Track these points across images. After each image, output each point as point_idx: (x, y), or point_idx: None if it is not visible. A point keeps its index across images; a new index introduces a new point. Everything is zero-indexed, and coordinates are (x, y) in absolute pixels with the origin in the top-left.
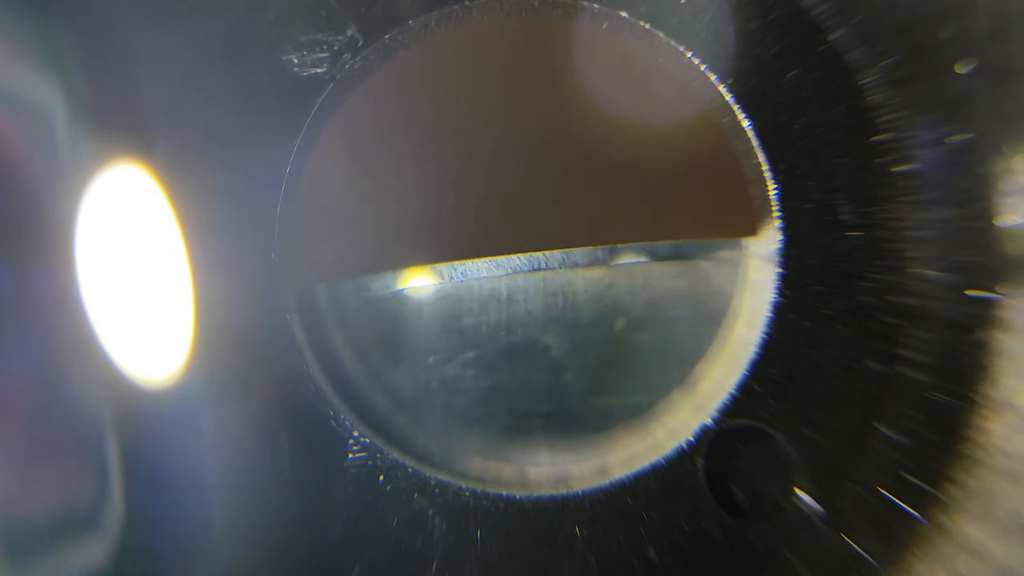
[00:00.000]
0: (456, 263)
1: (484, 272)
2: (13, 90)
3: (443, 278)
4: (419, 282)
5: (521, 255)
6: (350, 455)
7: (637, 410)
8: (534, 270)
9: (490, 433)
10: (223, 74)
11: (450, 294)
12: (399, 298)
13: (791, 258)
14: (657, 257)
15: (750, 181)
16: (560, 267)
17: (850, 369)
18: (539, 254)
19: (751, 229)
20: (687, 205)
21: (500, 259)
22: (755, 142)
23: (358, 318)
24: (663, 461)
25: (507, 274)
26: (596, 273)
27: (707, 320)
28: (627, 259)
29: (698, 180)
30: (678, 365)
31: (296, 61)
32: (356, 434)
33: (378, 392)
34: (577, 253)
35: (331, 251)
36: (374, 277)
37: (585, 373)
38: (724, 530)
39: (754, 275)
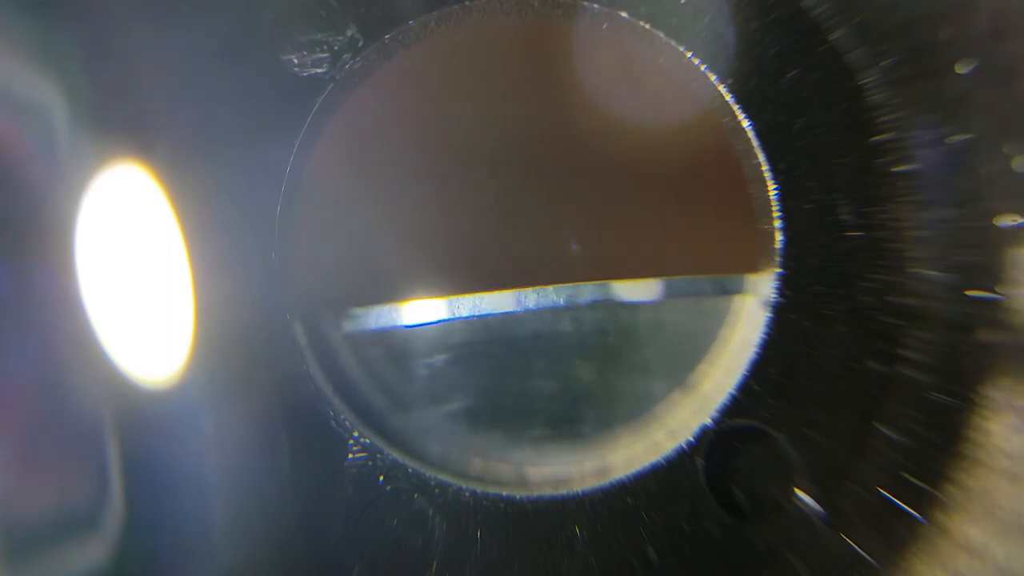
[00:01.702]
0: (457, 297)
1: (486, 307)
2: (13, 90)
3: (447, 309)
4: (421, 311)
5: (522, 290)
6: (350, 455)
7: (637, 410)
8: (534, 308)
9: (490, 433)
10: (223, 74)
11: (453, 314)
12: (403, 330)
13: (791, 258)
14: (660, 294)
15: (750, 182)
16: (561, 305)
17: (850, 369)
18: (539, 289)
19: (753, 265)
20: (686, 201)
21: (501, 294)
22: (755, 142)
23: (361, 334)
24: (663, 461)
25: (508, 312)
26: (599, 306)
27: (704, 327)
28: (629, 295)
29: (698, 183)
30: (678, 365)
31: (296, 61)
32: (356, 434)
33: (378, 392)
34: (577, 289)
35: (331, 252)
36: (376, 307)
37: (585, 373)
38: (724, 530)
39: (750, 307)
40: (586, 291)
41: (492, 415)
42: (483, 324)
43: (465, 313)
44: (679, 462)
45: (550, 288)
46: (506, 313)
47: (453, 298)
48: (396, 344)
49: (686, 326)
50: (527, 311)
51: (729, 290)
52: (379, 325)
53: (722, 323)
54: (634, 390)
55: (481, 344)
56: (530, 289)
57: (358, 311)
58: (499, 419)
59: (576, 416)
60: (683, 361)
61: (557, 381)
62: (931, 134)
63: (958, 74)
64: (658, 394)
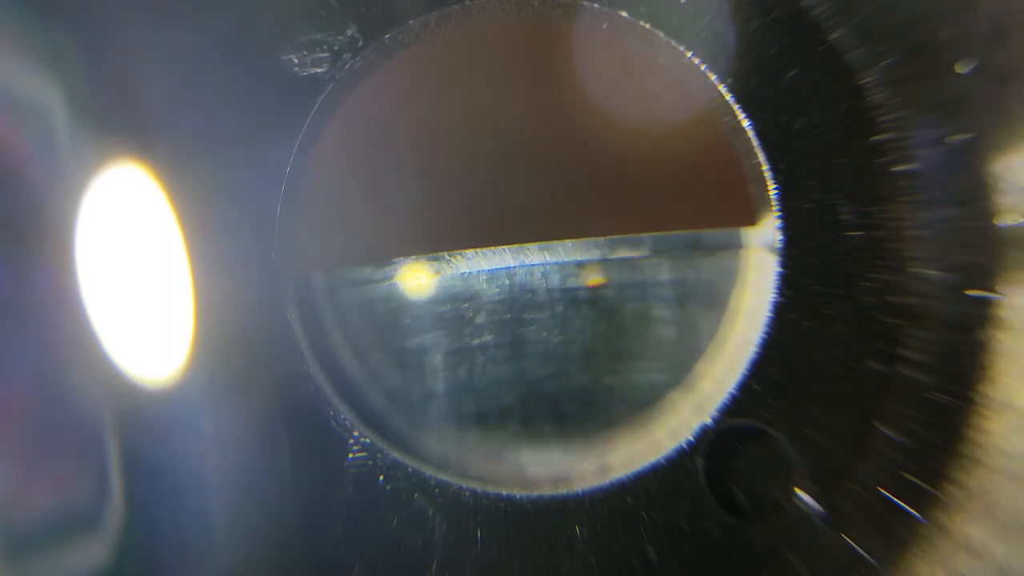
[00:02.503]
0: (454, 252)
1: (482, 264)
2: (13, 90)
3: (441, 271)
4: (417, 275)
5: (519, 245)
6: (350, 455)
7: (637, 410)
8: (533, 264)
9: (490, 433)
10: (223, 74)
11: (448, 289)
12: (397, 293)
13: (791, 258)
14: (657, 249)
15: (750, 180)
16: (560, 259)
17: (850, 369)
18: (538, 245)
19: (751, 219)
20: (686, 199)
21: (498, 249)
22: (755, 142)
23: (356, 314)
24: (663, 461)
25: (505, 268)
26: (596, 267)
27: (707, 317)
28: (627, 252)
29: (698, 179)
30: (678, 365)
31: (296, 61)
32: (356, 434)
33: (378, 392)
34: (577, 245)
35: (331, 252)
36: (370, 267)
37: (585, 372)
38: (724, 530)
39: (754, 271)
40: (579, 246)
41: (492, 414)
42: (479, 300)
43: (459, 270)
44: (679, 462)
45: (549, 244)
46: (504, 268)
47: (448, 255)
48: (392, 332)
49: (691, 301)
50: (524, 268)
51: (729, 243)
52: (376, 292)
53: (733, 278)
54: (634, 388)
55: (477, 341)
56: (528, 246)
57: (354, 279)
58: (499, 418)
59: (576, 415)
60: (684, 359)
61: (558, 379)
62: (931, 134)
63: (958, 74)
64: (658, 393)
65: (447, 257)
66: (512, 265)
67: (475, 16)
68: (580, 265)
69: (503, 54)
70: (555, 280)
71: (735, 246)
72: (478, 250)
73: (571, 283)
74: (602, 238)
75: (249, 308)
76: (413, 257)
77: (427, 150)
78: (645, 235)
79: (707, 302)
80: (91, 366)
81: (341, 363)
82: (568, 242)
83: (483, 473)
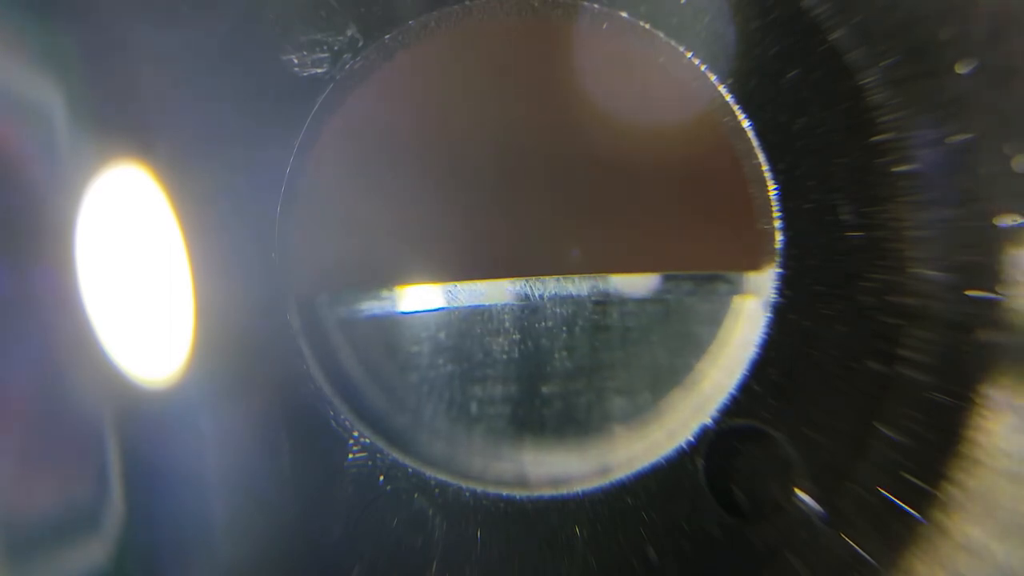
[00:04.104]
0: (456, 284)
1: (483, 293)
2: (13, 90)
3: (445, 297)
4: (419, 298)
5: (520, 279)
6: (350, 455)
7: (637, 410)
8: (533, 297)
9: (490, 433)
10: (223, 74)
11: (451, 302)
12: (399, 307)
13: (791, 258)
14: (658, 290)
15: (750, 182)
16: (561, 296)
17: (850, 369)
18: (538, 280)
19: (753, 264)
20: (690, 214)
21: (497, 282)
22: (755, 142)
23: (358, 323)
24: (663, 461)
25: (505, 303)
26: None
27: (705, 325)
28: (628, 290)
29: (698, 183)
30: (678, 365)
31: (296, 61)
32: (356, 434)
33: (378, 392)
34: (577, 282)
35: (331, 252)
36: (374, 292)
37: (585, 373)
38: (724, 530)
39: (750, 307)
40: (585, 283)
41: (492, 415)
42: (480, 317)
43: (464, 302)
44: (679, 462)
45: (549, 279)
46: (504, 304)
47: (451, 287)
48: (393, 339)
49: (685, 324)
50: (526, 302)
51: (729, 289)
52: (377, 313)
53: (722, 322)
54: (634, 389)
55: (479, 339)
56: (529, 279)
57: (357, 302)
58: (499, 418)
59: (576, 415)
60: (682, 360)
61: (558, 381)
62: (931, 134)
63: (958, 74)
64: (658, 391)
65: (450, 287)
66: (513, 301)
67: (475, 16)
68: (583, 299)
69: (503, 54)
70: (558, 303)
71: (737, 291)
72: (482, 281)
73: (572, 297)
74: (603, 275)
75: (249, 308)
76: (414, 282)
77: (427, 151)
78: (648, 275)
79: (705, 313)
80: (91, 366)
81: (341, 362)
82: (569, 277)
83: (483, 473)
